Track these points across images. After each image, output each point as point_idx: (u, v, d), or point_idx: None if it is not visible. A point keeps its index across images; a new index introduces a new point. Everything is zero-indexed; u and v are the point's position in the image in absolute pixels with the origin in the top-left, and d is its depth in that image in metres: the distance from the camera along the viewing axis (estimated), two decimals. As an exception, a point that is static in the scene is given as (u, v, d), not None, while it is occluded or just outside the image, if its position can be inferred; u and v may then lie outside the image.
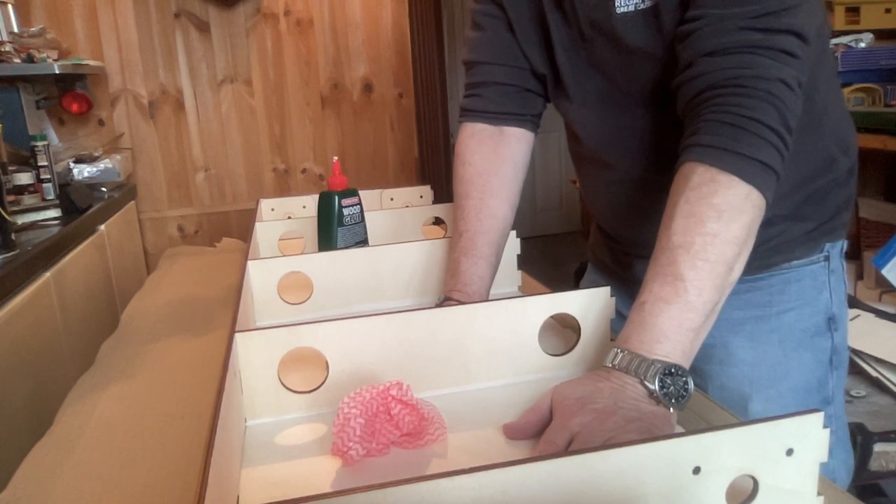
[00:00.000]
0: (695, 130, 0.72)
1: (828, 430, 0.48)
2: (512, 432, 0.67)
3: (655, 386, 0.63)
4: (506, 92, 0.97)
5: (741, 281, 0.94)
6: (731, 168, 0.68)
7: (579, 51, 0.89)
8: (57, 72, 2.06)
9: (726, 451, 0.47)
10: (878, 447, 1.59)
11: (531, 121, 1.00)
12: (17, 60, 2.02)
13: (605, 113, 0.91)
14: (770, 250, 0.91)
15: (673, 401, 0.63)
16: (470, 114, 1.00)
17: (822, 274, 0.94)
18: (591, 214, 1.11)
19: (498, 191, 0.96)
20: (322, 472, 0.63)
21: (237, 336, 0.71)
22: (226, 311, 1.30)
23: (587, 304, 0.79)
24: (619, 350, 0.67)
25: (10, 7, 2.18)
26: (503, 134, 0.98)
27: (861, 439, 1.59)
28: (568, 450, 0.60)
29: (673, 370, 0.64)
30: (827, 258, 0.94)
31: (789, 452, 0.48)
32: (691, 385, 0.64)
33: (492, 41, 0.96)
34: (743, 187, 0.67)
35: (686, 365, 0.65)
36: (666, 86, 0.80)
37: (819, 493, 0.50)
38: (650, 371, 0.63)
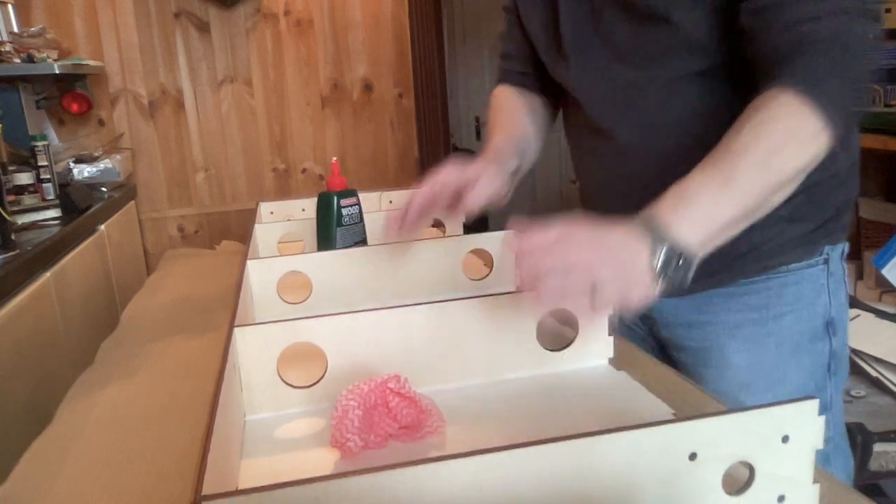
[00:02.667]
0: (787, 64, 0.73)
1: (823, 418, 0.48)
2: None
3: (658, 262, 0.66)
4: (531, 81, 1.09)
5: (738, 283, 0.94)
6: (815, 101, 0.70)
7: (587, 21, 0.90)
8: (57, 72, 2.06)
9: (722, 438, 0.47)
10: (878, 447, 1.59)
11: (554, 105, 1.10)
12: (17, 60, 2.02)
13: (608, 83, 0.92)
14: (768, 252, 0.90)
15: (664, 275, 0.67)
16: (506, 78, 1.13)
17: (820, 277, 0.92)
18: (584, 200, 1.10)
19: (528, 118, 1.08)
20: (321, 464, 0.63)
21: (236, 331, 0.71)
22: (225, 312, 1.30)
23: (585, 298, 0.79)
24: (649, 215, 0.69)
25: (10, 7, 2.18)
26: (534, 96, 1.10)
27: (861, 439, 1.59)
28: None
29: (681, 255, 0.66)
30: (826, 261, 0.92)
31: (785, 439, 0.48)
32: (690, 275, 0.68)
33: (512, 36, 1.09)
34: (820, 122, 0.70)
35: (699, 252, 0.68)
36: (673, 51, 0.83)
37: (815, 482, 0.50)
38: (661, 247, 0.66)
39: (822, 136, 0.70)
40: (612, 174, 0.98)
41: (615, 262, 0.66)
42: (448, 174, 0.92)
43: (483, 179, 0.92)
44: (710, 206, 0.68)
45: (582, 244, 0.67)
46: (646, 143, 0.91)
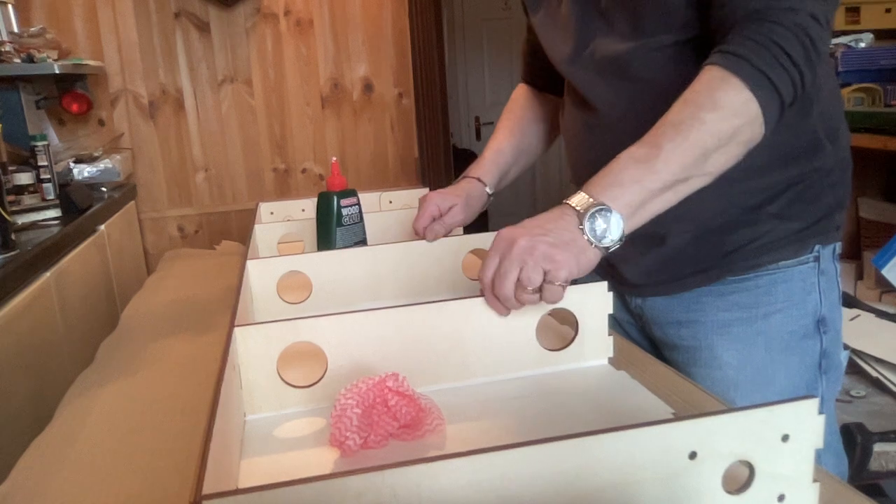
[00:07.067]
0: (722, 42, 0.76)
1: (823, 417, 0.48)
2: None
3: (585, 222, 0.71)
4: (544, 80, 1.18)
5: (727, 282, 0.94)
6: (742, 75, 0.72)
7: (591, 6, 0.92)
8: (57, 72, 2.06)
9: (722, 437, 0.47)
10: (878, 447, 1.59)
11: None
12: (17, 60, 2.02)
13: (604, 59, 0.93)
14: (757, 250, 0.90)
15: (595, 237, 0.71)
16: (524, 76, 1.24)
17: (811, 275, 0.92)
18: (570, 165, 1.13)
19: (527, 126, 1.19)
20: (321, 463, 0.63)
21: (236, 330, 0.71)
22: (225, 312, 1.30)
23: (585, 299, 0.79)
24: (581, 190, 0.74)
25: (10, 7, 2.18)
26: (544, 97, 1.20)
27: (861, 439, 1.59)
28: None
29: (606, 212, 0.70)
30: (817, 259, 0.92)
31: (785, 438, 0.48)
32: (614, 234, 0.71)
33: (529, 35, 1.17)
34: (746, 94, 0.72)
35: (625, 215, 0.71)
36: (662, 23, 0.85)
37: (815, 480, 0.50)
38: (589, 209, 0.71)
39: (750, 109, 0.72)
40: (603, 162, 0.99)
41: (548, 232, 0.71)
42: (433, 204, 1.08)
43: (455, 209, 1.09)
44: (632, 174, 0.72)
45: (517, 232, 0.72)
46: (637, 121, 0.91)
